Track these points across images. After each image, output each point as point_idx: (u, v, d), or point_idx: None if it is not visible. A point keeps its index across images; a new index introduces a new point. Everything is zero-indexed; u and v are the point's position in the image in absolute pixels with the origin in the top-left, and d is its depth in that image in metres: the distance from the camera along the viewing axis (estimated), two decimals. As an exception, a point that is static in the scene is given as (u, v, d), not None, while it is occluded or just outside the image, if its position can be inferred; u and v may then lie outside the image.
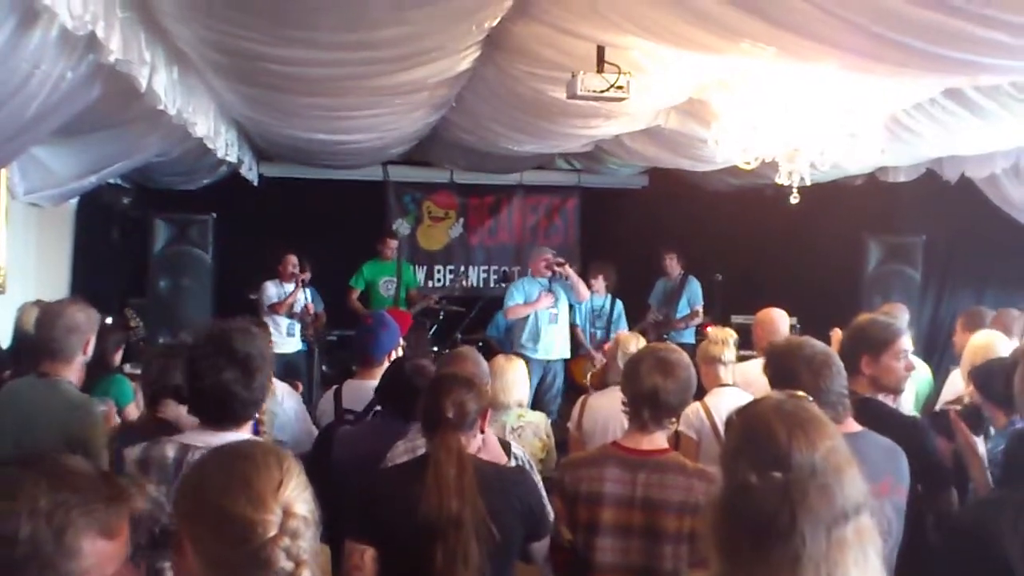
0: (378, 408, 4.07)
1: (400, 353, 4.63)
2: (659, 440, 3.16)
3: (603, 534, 3.07)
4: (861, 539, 1.59)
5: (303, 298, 9.22)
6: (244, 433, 2.78)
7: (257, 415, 3.03)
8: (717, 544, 1.64)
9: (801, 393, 1.88)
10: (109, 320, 7.00)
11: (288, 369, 8.96)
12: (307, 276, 9.24)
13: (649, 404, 3.14)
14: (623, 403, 3.28)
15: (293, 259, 9.28)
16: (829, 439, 1.67)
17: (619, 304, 9.63)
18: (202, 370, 2.74)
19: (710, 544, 1.65)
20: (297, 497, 1.71)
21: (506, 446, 3.52)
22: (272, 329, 8.77)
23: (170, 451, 2.72)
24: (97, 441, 3.77)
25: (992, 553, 1.84)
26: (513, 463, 3.43)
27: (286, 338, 9.10)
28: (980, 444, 3.86)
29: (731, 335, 4.96)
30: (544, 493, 3.37)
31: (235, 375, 2.70)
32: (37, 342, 3.94)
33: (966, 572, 1.89)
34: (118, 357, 5.69)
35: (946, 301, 9.40)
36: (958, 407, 4.25)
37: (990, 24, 3.02)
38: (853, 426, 3.12)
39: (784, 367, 3.19)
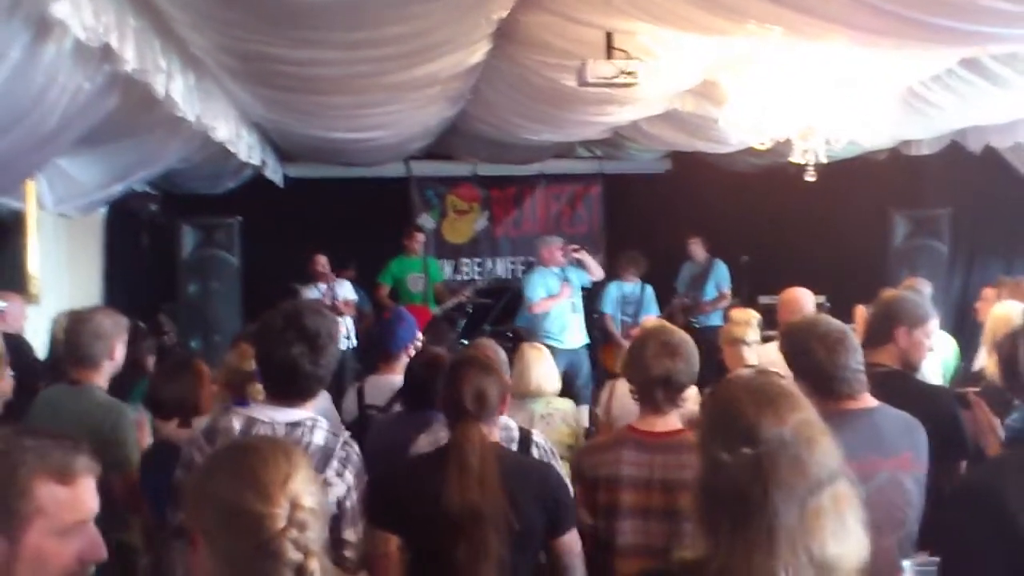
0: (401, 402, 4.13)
1: (418, 347, 4.69)
2: (673, 421, 3.18)
3: (623, 517, 3.09)
4: (838, 507, 1.60)
5: (333, 295, 9.29)
6: (308, 411, 2.84)
7: None
8: (700, 522, 1.67)
9: (773, 370, 1.90)
10: (143, 325, 7.12)
11: (339, 366, 9.04)
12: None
13: (662, 387, 3.15)
14: (631, 390, 3.29)
15: (322, 259, 9.35)
16: (799, 412, 1.68)
17: (649, 289, 9.64)
18: (272, 344, 2.81)
19: (695, 523, 1.68)
20: (304, 490, 1.74)
21: (527, 435, 3.54)
22: None
23: (236, 423, 2.79)
24: (130, 442, 3.86)
25: (995, 510, 1.85)
26: (535, 452, 3.46)
27: None
28: (999, 426, 3.82)
29: (754, 316, 4.96)
30: (569, 482, 3.40)
31: (303, 350, 2.76)
32: (66, 350, 4.04)
33: (970, 529, 1.90)
34: (151, 361, 5.79)
35: (975, 273, 9.31)
36: (977, 388, 4.24)
37: (991, -8, 3.02)
38: (870, 401, 3.11)
39: (799, 345, 3.18)
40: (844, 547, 1.58)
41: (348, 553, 2.70)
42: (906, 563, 2.74)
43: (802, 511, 1.58)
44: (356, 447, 2.85)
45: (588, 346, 9.01)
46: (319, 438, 2.75)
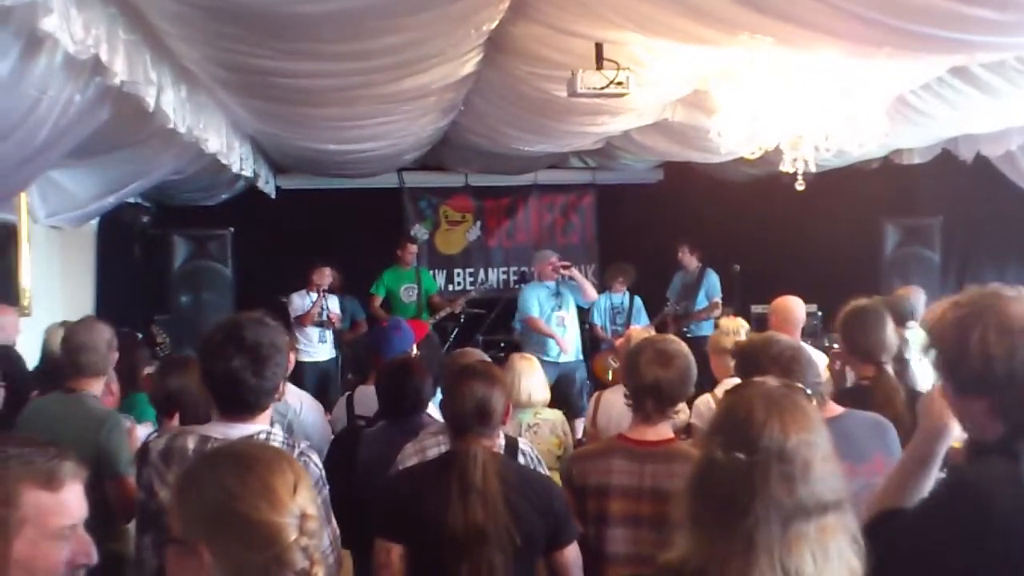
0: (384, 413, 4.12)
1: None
2: (664, 431, 3.18)
3: (613, 525, 3.09)
4: (823, 538, 1.59)
5: (325, 306, 9.28)
6: (261, 424, 2.80)
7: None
8: (687, 518, 1.66)
9: (800, 385, 1.88)
10: (140, 336, 7.12)
11: (322, 377, 9.06)
12: (324, 285, 9.29)
13: (652, 396, 3.16)
14: (625, 396, 3.30)
15: (327, 270, 9.30)
16: (806, 432, 1.66)
17: (637, 300, 9.67)
18: (212, 359, 2.77)
19: (682, 518, 1.67)
20: (310, 498, 1.75)
21: (513, 442, 3.54)
22: (302, 338, 8.92)
23: (191, 442, 2.76)
24: (124, 451, 3.86)
25: (980, 508, 1.82)
26: (521, 459, 3.46)
27: (318, 345, 9.20)
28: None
29: (743, 325, 4.95)
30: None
31: (244, 363, 2.71)
32: (63, 359, 4.05)
33: (948, 527, 1.85)
34: (144, 372, 5.78)
35: (966, 281, 9.30)
36: None
37: (976, 2, 3.04)
38: (835, 409, 3.16)
39: (753, 365, 3.19)
40: (822, 573, 1.57)
41: None
42: None
43: (784, 529, 1.57)
44: (314, 457, 2.81)
45: (582, 360, 9.00)
46: None
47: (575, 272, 8.61)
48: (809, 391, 3.01)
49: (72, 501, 1.74)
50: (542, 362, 8.19)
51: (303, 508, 1.72)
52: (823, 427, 1.74)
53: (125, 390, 4.86)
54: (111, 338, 4.11)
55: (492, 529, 2.85)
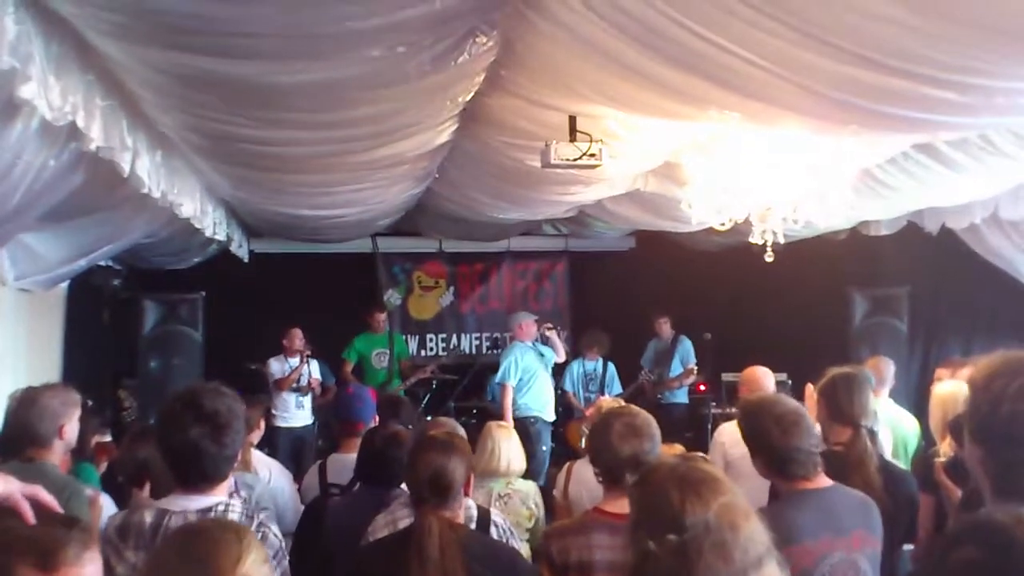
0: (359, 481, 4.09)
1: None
2: (643, 502, 3.17)
3: None
4: None
5: (308, 372, 9.21)
6: (220, 496, 2.78)
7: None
8: None
9: (699, 454, 1.92)
10: (91, 403, 7.02)
11: (296, 445, 8.97)
12: (295, 347, 9.24)
13: (632, 469, 3.12)
14: (596, 472, 3.28)
15: (299, 333, 9.27)
16: (723, 495, 1.68)
17: (611, 367, 9.74)
18: (170, 429, 2.76)
19: None
20: (256, 571, 1.76)
21: (485, 514, 3.51)
22: (279, 403, 8.86)
23: (148, 516, 2.74)
24: (86, 519, 3.78)
25: None
26: (494, 531, 3.42)
27: (295, 411, 9.12)
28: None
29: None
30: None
31: (202, 431, 2.71)
32: (15, 428, 3.98)
33: None
34: (94, 442, 5.72)
35: (933, 351, 9.41)
36: (943, 459, 4.27)
37: (939, 84, 3.12)
38: (824, 481, 3.15)
39: (754, 425, 3.23)
40: None
41: None
42: None
43: None
44: (274, 528, 2.80)
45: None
46: None
47: (553, 334, 8.88)
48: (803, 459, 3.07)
49: None
50: (540, 421, 8.37)
51: None
52: (735, 487, 1.77)
53: (73, 459, 4.78)
54: (61, 406, 4.00)
55: None
